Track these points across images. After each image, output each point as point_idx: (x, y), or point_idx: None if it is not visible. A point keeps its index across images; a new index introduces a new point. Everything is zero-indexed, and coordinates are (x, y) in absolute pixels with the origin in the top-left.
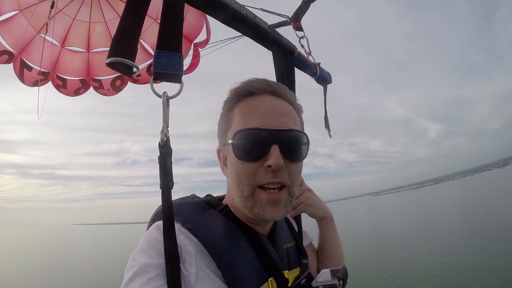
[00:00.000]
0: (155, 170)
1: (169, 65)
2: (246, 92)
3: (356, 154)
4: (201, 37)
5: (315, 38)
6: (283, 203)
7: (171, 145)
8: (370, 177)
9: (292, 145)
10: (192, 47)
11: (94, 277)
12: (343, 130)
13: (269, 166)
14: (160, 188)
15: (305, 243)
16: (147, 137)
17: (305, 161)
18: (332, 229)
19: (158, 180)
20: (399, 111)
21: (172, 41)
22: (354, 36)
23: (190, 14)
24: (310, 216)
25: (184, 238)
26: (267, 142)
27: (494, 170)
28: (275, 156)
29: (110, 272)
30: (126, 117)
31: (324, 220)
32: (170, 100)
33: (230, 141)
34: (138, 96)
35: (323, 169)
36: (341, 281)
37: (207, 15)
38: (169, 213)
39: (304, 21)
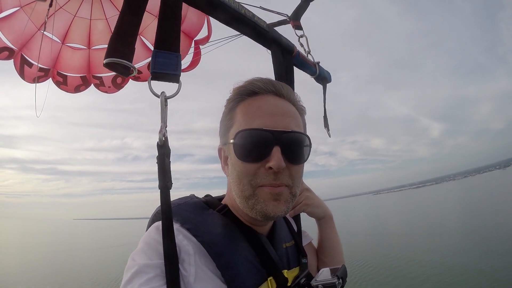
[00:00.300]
0: (156, 167)
1: (167, 64)
2: (249, 92)
3: (357, 152)
4: (202, 34)
5: (316, 37)
6: (284, 198)
7: (169, 145)
8: (372, 175)
9: (294, 147)
10: (193, 44)
11: (95, 271)
12: (345, 128)
13: (270, 167)
14: (159, 188)
15: (304, 242)
16: (149, 133)
17: None
18: (331, 227)
19: None
20: (401, 109)
21: (169, 41)
22: (355, 35)
23: (191, 12)
24: (310, 216)
25: (183, 238)
26: (268, 143)
27: (496, 171)
28: (276, 157)
29: (111, 267)
30: (128, 113)
31: (323, 219)
32: (168, 99)
33: (231, 141)
34: (140, 92)
35: (324, 167)
36: (340, 279)
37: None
38: (168, 213)
39: (305, 20)
